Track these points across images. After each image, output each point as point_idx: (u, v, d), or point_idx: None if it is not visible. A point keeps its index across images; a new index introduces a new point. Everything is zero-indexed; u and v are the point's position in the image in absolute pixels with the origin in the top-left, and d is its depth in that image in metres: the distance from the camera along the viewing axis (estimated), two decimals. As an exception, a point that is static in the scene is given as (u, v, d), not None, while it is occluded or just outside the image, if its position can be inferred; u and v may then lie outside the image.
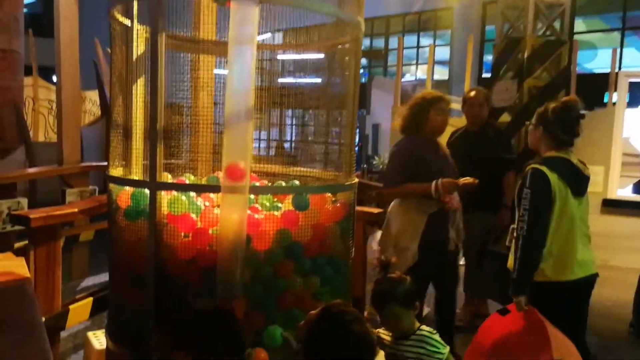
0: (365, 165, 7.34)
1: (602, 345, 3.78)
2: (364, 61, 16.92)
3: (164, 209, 1.75)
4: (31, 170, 3.98)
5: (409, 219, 2.94)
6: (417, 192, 2.89)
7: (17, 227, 3.69)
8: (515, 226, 2.48)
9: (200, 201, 1.84)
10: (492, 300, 4.48)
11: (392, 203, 3.15)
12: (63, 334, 2.90)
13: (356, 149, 8.54)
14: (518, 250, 2.31)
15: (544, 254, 2.33)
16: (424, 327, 1.96)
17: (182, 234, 1.74)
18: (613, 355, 3.64)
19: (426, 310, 3.96)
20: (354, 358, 1.34)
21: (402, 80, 8.54)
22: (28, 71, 7.51)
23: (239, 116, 1.58)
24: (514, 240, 2.47)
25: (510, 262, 2.45)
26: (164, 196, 1.75)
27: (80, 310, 2.70)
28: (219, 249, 1.64)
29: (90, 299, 2.76)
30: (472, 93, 3.81)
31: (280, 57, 2.29)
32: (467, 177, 2.94)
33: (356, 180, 2.10)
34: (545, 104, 2.53)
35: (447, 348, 1.92)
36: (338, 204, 1.97)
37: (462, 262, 4.41)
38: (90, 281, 4.60)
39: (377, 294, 1.98)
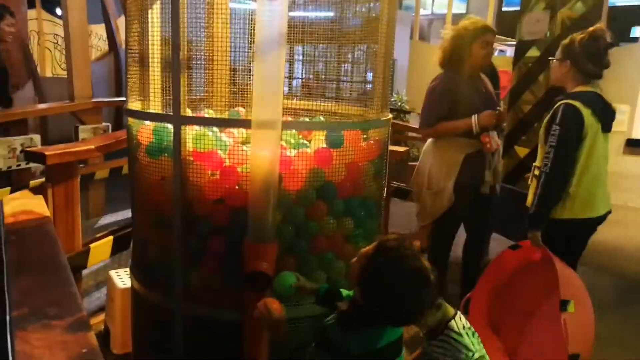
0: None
1: (628, 288, 3.73)
2: (378, -6, 16.18)
3: (189, 146, 1.63)
4: (43, 106, 3.86)
5: (445, 159, 2.81)
6: (458, 129, 2.74)
7: (32, 165, 3.63)
8: (537, 164, 2.45)
9: (225, 137, 1.71)
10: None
11: (427, 142, 3.02)
12: (84, 272, 2.88)
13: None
14: (539, 187, 2.30)
15: (571, 192, 2.32)
16: (454, 323, 1.59)
17: (209, 172, 1.63)
18: None
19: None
20: (411, 293, 1.25)
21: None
22: (31, 4, 7.25)
23: (271, 42, 1.42)
24: (534, 178, 2.45)
25: (530, 199, 2.43)
26: (188, 132, 1.62)
27: (101, 248, 2.65)
28: (250, 189, 1.54)
29: (111, 237, 2.71)
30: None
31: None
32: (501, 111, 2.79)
33: (390, 116, 1.96)
34: (570, 36, 2.41)
35: (478, 352, 1.60)
36: (372, 142, 1.84)
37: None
38: (107, 219, 4.59)
39: None
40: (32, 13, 7.25)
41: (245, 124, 1.55)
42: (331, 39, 1.97)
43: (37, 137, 3.60)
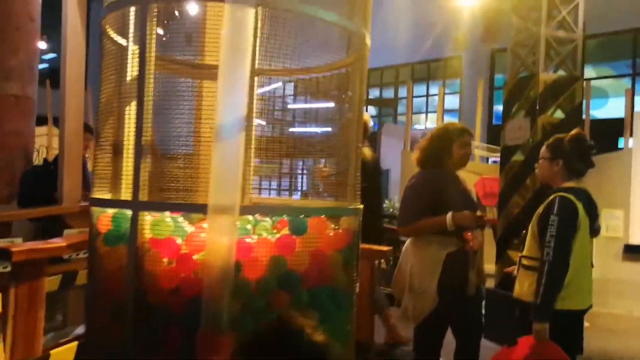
0: (374, 209, 7.15)
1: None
2: (373, 110, 17.02)
3: (147, 233, 1.58)
4: (27, 210, 3.85)
5: (426, 257, 2.73)
6: (435, 226, 2.70)
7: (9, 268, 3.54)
8: (525, 254, 2.56)
9: (187, 225, 1.67)
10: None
11: (407, 241, 2.96)
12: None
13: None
14: (543, 276, 2.34)
15: (566, 282, 2.37)
16: None
17: (166, 260, 1.56)
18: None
19: (442, 360, 3.68)
20: None
21: (412, 128, 8.47)
22: (44, 121, 7.61)
23: (231, 123, 1.44)
24: (523, 268, 2.54)
25: (523, 290, 2.50)
26: (148, 219, 1.58)
27: (62, 355, 2.49)
28: (204, 277, 1.46)
29: (75, 343, 2.56)
30: None
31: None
32: (486, 214, 2.78)
33: (361, 205, 1.93)
34: (553, 138, 2.63)
35: None
36: (340, 231, 1.79)
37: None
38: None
39: None
40: (43, 129, 7.59)
41: (201, 209, 1.52)
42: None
43: (18, 240, 3.54)
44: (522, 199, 4.66)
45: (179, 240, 1.59)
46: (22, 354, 2.28)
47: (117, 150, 1.71)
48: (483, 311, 4.73)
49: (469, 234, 2.70)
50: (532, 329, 2.44)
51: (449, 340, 2.94)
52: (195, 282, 1.51)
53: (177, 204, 1.56)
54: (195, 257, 1.54)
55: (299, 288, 1.62)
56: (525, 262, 2.55)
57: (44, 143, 7.81)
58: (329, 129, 1.95)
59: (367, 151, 4.00)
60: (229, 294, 1.45)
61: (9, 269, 3.31)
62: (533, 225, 2.52)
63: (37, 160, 6.70)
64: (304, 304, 1.63)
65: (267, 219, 1.80)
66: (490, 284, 4.86)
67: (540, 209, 2.51)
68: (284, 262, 1.60)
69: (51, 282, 3.02)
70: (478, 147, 8.21)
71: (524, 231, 2.76)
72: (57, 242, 2.47)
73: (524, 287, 2.53)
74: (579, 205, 2.40)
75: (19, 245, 2.30)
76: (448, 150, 2.81)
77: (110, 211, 1.69)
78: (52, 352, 2.42)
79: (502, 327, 4.39)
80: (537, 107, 4.56)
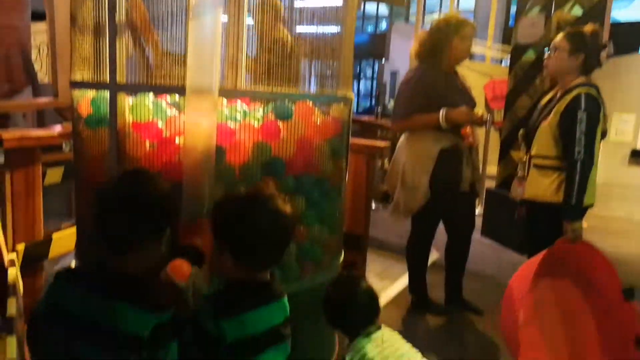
0: (379, 109, 7.04)
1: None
2: (384, 10, 16.24)
3: (128, 116, 1.54)
4: (20, 102, 3.82)
5: (419, 153, 2.70)
6: (425, 123, 2.63)
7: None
8: (539, 153, 2.43)
9: (169, 109, 1.62)
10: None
11: (401, 137, 2.91)
12: (54, 265, 2.79)
13: (374, 96, 8.21)
14: (576, 175, 2.27)
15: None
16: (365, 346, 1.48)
17: (148, 143, 1.54)
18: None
19: (435, 255, 3.77)
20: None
21: (423, 27, 8.09)
22: (42, 16, 7.32)
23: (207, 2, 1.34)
24: (536, 168, 2.44)
25: (538, 192, 2.41)
26: (127, 101, 1.54)
27: (65, 239, 2.56)
28: (184, 160, 1.44)
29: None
30: None
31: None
32: (480, 111, 2.69)
33: (352, 95, 1.86)
34: (574, 29, 2.44)
35: None
36: (329, 119, 1.74)
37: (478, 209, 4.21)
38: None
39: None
40: (42, 25, 7.31)
41: (181, 90, 1.46)
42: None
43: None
44: (530, 99, 4.52)
45: (160, 124, 1.55)
46: (24, 238, 2.35)
47: (96, 31, 1.63)
48: (480, 210, 4.81)
49: (467, 130, 2.64)
50: (541, 229, 2.41)
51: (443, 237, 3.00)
52: (178, 167, 1.50)
53: (154, 86, 1.50)
54: (177, 141, 1.51)
55: (284, 175, 1.60)
56: (538, 161, 2.44)
57: (44, 40, 7.57)
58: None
59: None
60: (210, 178, 1.44)
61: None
62: (552, 123, 2.37)
63: (38, 58, 6.55)
64: (290, 190, 1.62)
65: (259, 109, 1.75)
66: (490, 184, 4.87)
67: (562, 106, 2.35)
68: (268, 148, 1.57)
69: (54, 174, 3.06)
70: (490, 48, 7.88)
71: (521, 130, 2.66)
72: (48, 131, 2.45)
73: (540, 187, 2.43)
74: (600, 100, 2.31)
75: (10, 132, 2.28)
76: (448, 43, 2.66)
77: (90, 94, 1.64)
78: (54, 235, 2.48)
79: (501, 226, 4.48)
80: (554, 2, 4.28)
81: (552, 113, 2.38)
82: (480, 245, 4.25)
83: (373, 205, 4.95)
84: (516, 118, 4.63)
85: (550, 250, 2.18)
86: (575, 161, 2.27)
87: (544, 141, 2.41)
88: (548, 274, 2.34)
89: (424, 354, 1.55)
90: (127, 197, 1.14)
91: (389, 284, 3.32)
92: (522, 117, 4.57)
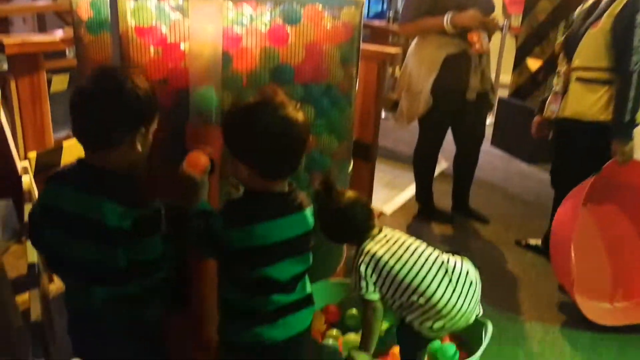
0: (391, 13, 6.73)
1: None
2: None
3: (130, 20, 1.47)
4: (19, 4, 3.67)
5: (424, 58, 2.62)
6: (431, 27, 2.52)
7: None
8: (583, 64, 2.19)
9: (170, 11, 1.55)
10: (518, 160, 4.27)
11: (411, 44, 2.81)
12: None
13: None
14: (630, 88, 2.02)
15: None
16: (369, 245, 1.52)
17: (152, 49, 1.49)
18: None
19: (444, 165, 3.78)
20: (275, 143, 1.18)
21: None
22: None
23: None
24: (579, 82, 2.20)
25: (581, 109, 2.18)
26: (128, 4, 1.46)
27: (75, 147, 2.57)
28: (190, 67, 1.40)
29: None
30: None
31: None
32: (493, 17, 2.56)
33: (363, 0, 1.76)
34: None
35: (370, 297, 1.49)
36: (339, 23, 1.66)
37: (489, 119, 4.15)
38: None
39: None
40: None
41: (184, -9, 1.38)
42: None
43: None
44: (550, 3, 4.29)
45: (164, 29, 1.49)
46: (34, 146, 2.36)
47: None
48: (491, 120, 4.74)
49: (474, 35, 2.51)
50: (579, 151, 2.25)
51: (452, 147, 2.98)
52: (184, 74, 1.46)
53: (156, -15, 1.42)
54: (182, 47, 1.46)
55: (293, 82, 1.56)
56: (583, 74, 2.18)
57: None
58: None
59: None
60: (217, 86, 1.40)
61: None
62: (603, 28, 2.10)
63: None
64: (298, 98, 1.58)
65: (266, 13, 1.67)
66: (503, 94, 4.77)
67: (616, 8, 2.07)
68: (276, 54, 1.51)
69: (59, 81, 3.01)
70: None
71: (559, 39, 2.43)
72: (50, 36, 2.38)
73: (584, 104, 2.18)
74: None
75: (11, 37, 2.21)
76: None
77: (90, -4, 1.56)
78: (64, 143, 2.49)
79: (512, 137, 4.43)
80: None
81: (604, 17, 2.10)
82: (489, 155, 4.24)
83: (383, 114, 4.89)
84: (535, 23, 4.43)
85: (599, 175, 2.05)
86: (631, 73, 2.01)
87: (592, 50, 2.15)
88: (594, 200, 2.24)
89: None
90: (97, 92, 1.13)
91: (397, 193, 3.36)
92: (542, 22, 4.37)
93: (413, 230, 2.90)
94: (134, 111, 1.14)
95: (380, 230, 1.56)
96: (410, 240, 1.55)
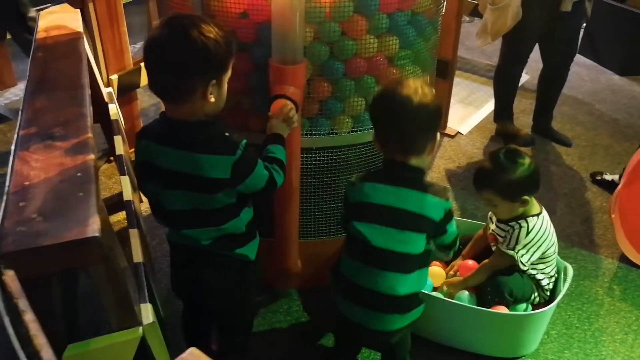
0: None
1: None
2: None
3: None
4: None
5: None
6: None
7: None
8: None
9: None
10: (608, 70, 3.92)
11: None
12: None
13: None
14: None
15: None
16: (530, 220, 1.60)
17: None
18: None
19: (525, 78, 3.54)
20: (390, 120, 1.25)
21: None
22: None
23: None
24: None
25: None
26: None
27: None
28: (272, 0, 1.33)
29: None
30: None
31: None
32: None
33: None
34: None
35: (517, 256, 1.60)
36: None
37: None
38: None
39: (477, 173, 1.66)
40: None
41: None
42: None
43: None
44: None
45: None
46: (115, 69, 2.41)
47: None
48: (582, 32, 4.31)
49: None
50: None
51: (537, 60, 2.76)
52: (266, 6, 1.40)
53: None
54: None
55: (377, 13, 1.46)
56: None
57: None
58: None
59: None
60: (301, 18, 1.34)
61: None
62: None
63: None
64: (383, 30, 1.49)
65: None
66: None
67: None
68: (360, -18, 1.41)
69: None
70: None
71: None
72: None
73: None
74: None
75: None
76: None
77: None
78: (142, 64, 2.53)
79: (603, 44, 4.03)
80: None
81: None
82: (576, 66, 3.89)
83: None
84: None
85: None
86: None
87: None
88: None
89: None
90: (163, 40, 1.08)
91: (474, 110, 3.21)
92: None
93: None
94: (201, 61, 1.08)
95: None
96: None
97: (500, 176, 1.55)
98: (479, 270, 1.65)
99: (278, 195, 1.58)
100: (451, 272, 1.78)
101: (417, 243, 1.25)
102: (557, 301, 1.57)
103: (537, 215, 1.62)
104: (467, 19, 4.42)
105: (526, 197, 1.57)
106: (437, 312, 1.58)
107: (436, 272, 1.76)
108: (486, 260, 1.66)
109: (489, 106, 3.17)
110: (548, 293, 1.69)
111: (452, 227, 1.30)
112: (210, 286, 1.28)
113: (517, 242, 1.59)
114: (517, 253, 1.58)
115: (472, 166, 2.67)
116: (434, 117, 1.24)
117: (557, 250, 1.69)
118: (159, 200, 1.22)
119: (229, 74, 1.17)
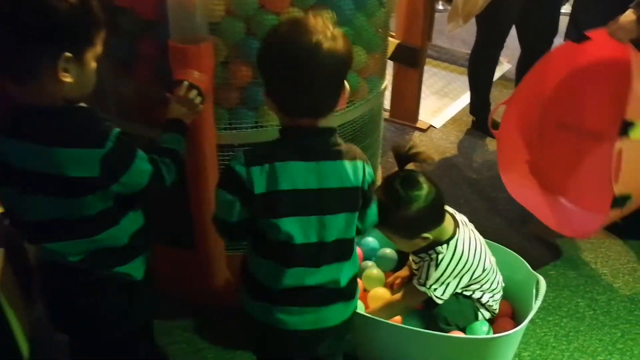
0: None
1: None
2: None
3: None
4: None
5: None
6: None
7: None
8: None
9: None
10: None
11: None
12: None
13: None
14: None
15: None
16: (439, 249, 1.31)
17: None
18: None
19: (506, 66, 3.32)
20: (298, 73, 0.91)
21: None
22: None
23: None
24: None
25: None
26: None
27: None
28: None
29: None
30: None
31: None
32: None
33: None
34: None
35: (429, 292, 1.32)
36: None
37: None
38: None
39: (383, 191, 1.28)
40: None
41: None
42: None
43: None
44: None
45: None
46: None
47: None
48: (568, 7, 4.07)
49: None
50: None
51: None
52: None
53: None
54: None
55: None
56: None
57: None
58: None
59: None
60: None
61: None
62: None
63: None
64: (312, 1, 1.25)
65: None
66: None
67: None
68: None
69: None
70: None
71: None
72: None
73: None
74: None
75: None
76: None
77: None
78: None
79: (593, 25, 3.79)
80: None
81: None
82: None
83: (440, 5, 4.32)
84: None
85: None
86: None
87: None
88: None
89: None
90: (7, 14, 0.83)
91: (449, 102, 2.97)
92: None
93: (465, 147, 2.57)
94: (44, 26, 0.84)
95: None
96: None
97: (393, 213, 1.24)
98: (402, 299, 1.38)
99: (196, 201, 1.34)
100: (397, 282, 1.53)
101: (352, 225, 1.03)
102: (526, 321, 1.32)
103: (449, 240, 1.32)
104: (443, 8, 4.19)
105: (426, 235, 1.28)
106: (382, 336, 1.34)
107: (379, 294, 1.50)
108: (397, 296, 1.39)
109: (465, 98, 2.93)
110: (496, 306, 1.43)
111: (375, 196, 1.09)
112: (87, 316, 1.03)
113: (427, 278, 1.31)
114: (429, 289, 1.31)
115: (445, 162, 2.44)
116: (348, 62, 0.96)
117: (492, 264, 1.41)
118: (15, 209, 0.97)
119: (97, 49, 0.92)
